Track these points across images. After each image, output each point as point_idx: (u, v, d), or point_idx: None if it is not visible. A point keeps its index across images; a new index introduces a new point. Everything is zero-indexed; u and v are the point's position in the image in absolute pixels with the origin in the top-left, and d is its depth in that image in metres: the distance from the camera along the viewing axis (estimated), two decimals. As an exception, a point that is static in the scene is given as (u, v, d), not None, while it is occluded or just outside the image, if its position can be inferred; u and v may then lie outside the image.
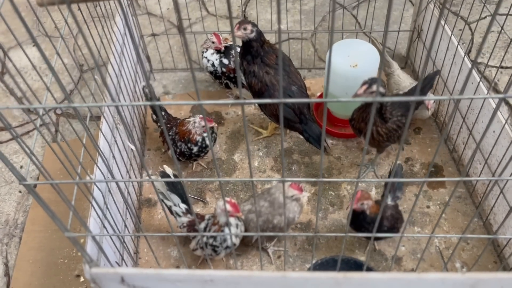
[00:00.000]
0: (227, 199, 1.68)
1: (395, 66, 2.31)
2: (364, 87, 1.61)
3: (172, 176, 1.85)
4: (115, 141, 1.82)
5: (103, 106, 1.76)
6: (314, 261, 1.74)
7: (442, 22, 2.17)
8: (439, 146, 0.87)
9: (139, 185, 2.21)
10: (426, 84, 2.02)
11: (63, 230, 1.20)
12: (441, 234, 1.97)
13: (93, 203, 1.48)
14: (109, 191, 1.65)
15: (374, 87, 1.60)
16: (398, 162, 2.04)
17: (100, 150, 1.55)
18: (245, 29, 1.92)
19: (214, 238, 1.74)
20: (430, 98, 0.66)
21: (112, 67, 1.93)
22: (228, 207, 1.65)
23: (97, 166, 1.52)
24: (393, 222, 1.73)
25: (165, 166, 1.89)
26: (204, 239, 1.77)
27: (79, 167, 1.41)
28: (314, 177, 2.23)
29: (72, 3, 1.52)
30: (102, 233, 1.52)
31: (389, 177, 1.86)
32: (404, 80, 2.24)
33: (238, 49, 2.40)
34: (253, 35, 1.96)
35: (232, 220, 1.74)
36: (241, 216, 1.73)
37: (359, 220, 1.71)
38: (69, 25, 1.52)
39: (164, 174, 1.86)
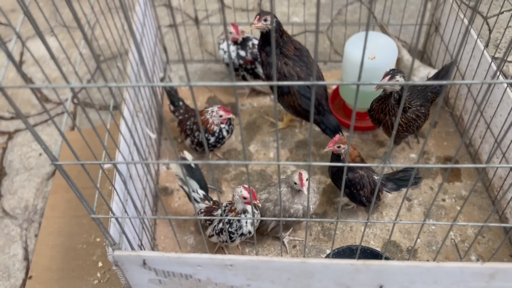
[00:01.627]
0: (246, 186, 1.70)
1: (404, 51, 2.32)
2: (387, 77, 1.62)
3: (191, 161, 1.88)
4: (136, 129, 1.84)
5: (124, 92, 1.78)
6: (329, 251, 1.76)
7: (461, 15, 2.16)
8: (459, 149, 0.88)
9: (156, 173, 2.24)
10: (444, 74, 2.03)
11: (89, 212, 1.23)
12: (457, 223, 1.98)
13: (116, 186, 1.50)
14: (130, 177, 1.68)
15: (397, 77, 1.62)
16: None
17: (122, 135, 1.58)
18: (265, 20, 1.93)
19: (230, 224, 1.76)
20: (463, 82, 0.67)
21: (132, 55, 1.95)
22: (246, 194, 1.66)
23: (119, 150, 1.55)
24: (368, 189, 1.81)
25: (185, 152, 1.92)
26: (220, 225, 1.79)
27: (103, 152, 1.43)
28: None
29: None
30: (125, 216, 1.54)
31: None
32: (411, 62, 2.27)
33: (256, 41, 2.42)
34: (273, 25, 1.97)
35: (249, 208, 1.76)
36: (258, 204, 1.74)
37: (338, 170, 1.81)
38: (86, 16, 1.54)
39: (184, 160, 1.88)
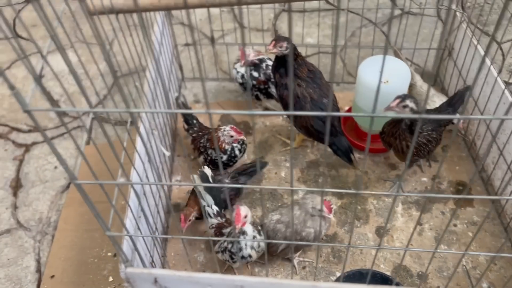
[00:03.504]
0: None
1: (417, 77, 2.34)
2: (397, 100, 1.64)
3: (210, 178, 1.91)
4: (150, 146, 1.87)
5: (141, 107, 1.82)
6: (338, 274, 1.76)
7: (475, 42, 2.18)
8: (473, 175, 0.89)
9: (169, 189, 2.26)
10: (457, 100, 2.04)
11: (104, 229, 1.25)
12: (469, 252, 1.96)
13: (130, 204, 1.53)
14: (144, 194, 1.70)
15: (407, 102, 1.64)
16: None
17: (138, 152, 1.61)
18: (280, 46, 1.97)
19: (232, 244, 1.78)
20: (477, 117, 0.68)
21: (150, 73, 1.99)
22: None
23: (134, 168, 1.58)
24: None
25: (205, 167, 1.95)
26: (225, 244, 1.81)
27: (119, 169, 1.46)
28: (341, 189, 2.24)
29: (119, 13, 1.60)
30: (137, 234, 1.57)
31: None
32: (426, 91, 2.28)
33: (270, 62, 2.46)
34: (287, 51, 2.01)
35: (250, 231, 1.76)
36: (241, 226, 1.72)
37: None
38: (105, 34, 1.58)
39: (203, 174, 1.91)
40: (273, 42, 1.97)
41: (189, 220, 1.86)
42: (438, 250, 1.10)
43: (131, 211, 1.52)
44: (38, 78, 0.92)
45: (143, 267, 1.52)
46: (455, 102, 2.03)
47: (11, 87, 0.82)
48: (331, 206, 1.76)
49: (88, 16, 1.54)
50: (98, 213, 1.18)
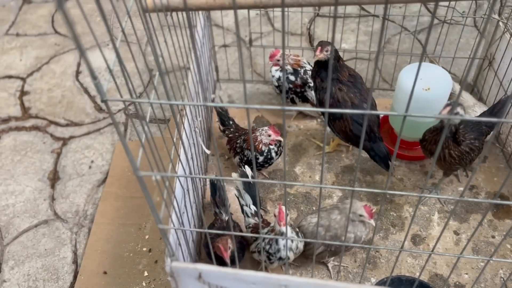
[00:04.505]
0: (281, 205, 1.72)
1: (457, 86, 2.34)
2: (448, 108, 1.63)
3: (250, 177, 1.92)
4: (194, 143, 1.90)
5: (186, 107, 1.85)
6: (373, 280, 1.75)
7: (519, 52, 2.16)
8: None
9: (203, 188, 2.28)
10: (500, 108, 2.02)
11: (157, 223, 1.27)
12: (493, 259, 1.93)
13: (176, 198, 1.55)
14: (188, 190, 1.72)
15: (458, 109, 1.64)
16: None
17: (184, 147, 1.63)
18: (327, 51, 1.99)
19: (270, 245, 1.78)
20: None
21: (192, 73, 2.02)
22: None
23: (181, 162, 1.60)
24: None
25: (246, 166, 1.97)
26: (263, 244, 1.81)
27: (169, 163, 1.48)
28: (375, 197, 2.23)
29: (173, 11, 1.62)
30: (183, 228, 1.58)
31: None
32: (467, 100, 2.29)
33: (309, 67, 2.47)
34: (332, 54, 2.01)
35: (289, 232, 1.77)
36: (283, 225, 1.72)
37: None
38: (148, 31, 1.61)
39: (243, 174, 1.93)
40: (319, 48, 1.98)
41: (229, 248, 1.73)
42: (464, 256, 1.09)
43: (177, 205, 1.53)
44: (111, 70, 0.94)
45: (188, 262, 1.54)
46: (497, 111, 2.01)
47: (94, 77, 0.84)
48: (372, 211, 1.75)
49: (142, 13, 1.57)
50: (154, 206, 1.19)
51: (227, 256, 1.69)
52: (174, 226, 1.46)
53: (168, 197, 1.40)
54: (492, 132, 2.13)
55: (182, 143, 1.61)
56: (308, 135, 2.55)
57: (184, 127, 1.76)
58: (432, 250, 1.26)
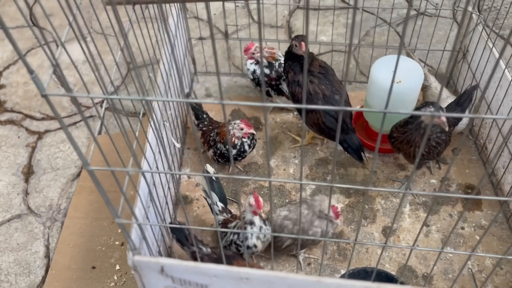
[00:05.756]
0: (256, 195, 1.74)
1: (432, 79, 2.35)
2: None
3: (213, 176, 1.92)
4: (162, 137, 1.89)
5: (153, 101, 1.84)
6: (343, 271, 1.76)
7: (490, 44, 2.17)
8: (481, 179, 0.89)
9: (178, 182, 2.28)
10: (466, 99, 2.03)
11: (114, 216, 1.27)
12: (476, 253, 1.96)
13: (140, 193, 1.55)
14: (154, 184, 1.72)
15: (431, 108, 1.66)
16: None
17: (149, 142, 1.63)
18: (306, 44, 1.99)
19: (238, 235, 1.80)
20: (489, 117, 0.69)
21: (163, 65, 2.01)
22: (253, 201, 1.71)
23: (145, 157, 1.60)
24: None
25: (207, 165, 1.96)
26: (231, 237, 1.83)
27: (131, 158, 1.48)
28: (349, 189, 2.25)
29: (136, 3, 1.61)
30: (146, 223, 1.58)
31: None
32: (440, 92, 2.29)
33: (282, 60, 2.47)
34: (307, 49, 2.02)
35: (257, 221, 1.78)
36: (260, 212, 1.75)
37: None
38: (120, 25, 1.60)
39: (206, 172, 1.92)
40: (302, 43, 1.98)
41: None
42: (445, 250, 1.11)
43: (141, 200, 1.53)
44: (56, 64, 0.94)
45: (150, 256, 1.54)
46: (463, 102, 2.03)
47: (30, 71, 0.83)
48: (338, 212, 1.76)
49: (105, 5, 1.55)
50: (109, 200, 1.19)
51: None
52: (137, 220, 1.46)
53: (135, 192, 1.41)
54: (467, 126, 2.15)
55: (147, 137, 1.61)
56: (284, 128, 2.55)
57: (152, 120, 1.76)
58: (413, 245, 1.26)
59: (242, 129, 2.11)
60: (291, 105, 2.18)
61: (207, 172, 1.95)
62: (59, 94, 0.90)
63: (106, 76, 2.66)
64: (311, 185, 2.27)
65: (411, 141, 1.86)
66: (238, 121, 2.12)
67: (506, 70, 2.04)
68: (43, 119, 2.70)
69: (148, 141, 1.62)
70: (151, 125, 1.73)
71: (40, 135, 2.61)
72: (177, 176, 2.29)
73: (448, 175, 2.26)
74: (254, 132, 2.15)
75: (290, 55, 2.10)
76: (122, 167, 1.76)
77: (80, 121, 2.69)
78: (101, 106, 2.77)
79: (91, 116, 2.73)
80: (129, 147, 1.42)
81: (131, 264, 1.43)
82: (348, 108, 0.81)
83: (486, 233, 1.08)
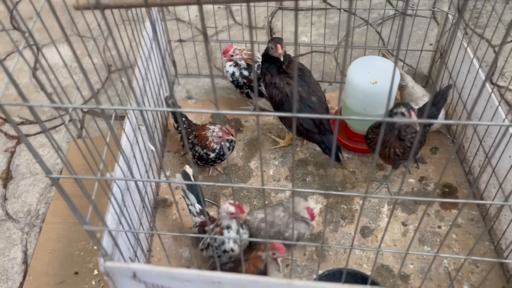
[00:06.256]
0: (231, 202, 1.74)
1: (408, 78, 2.37)
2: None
3: (191, 176, 1.92)
4: (137, 141, 1.89)
5: (128, 104, 1.83)
6: (321, 272, 1.77)
7: (465, 44, 2.18)
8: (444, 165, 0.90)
9: (157, 185, 2.28)
10: (440, 99, 2.05)
11: (82, 223, 1.27)
12: (446, 254, 1.98)
13: (112, 199, 1.55)
14: (128, 189, 1.72)
15: (403, 109, 1.67)
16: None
17: (122, 149, 1.62)
18: (283, 46, 2.00)
19: (215, 239, 1.80)
20: (467, 123, 0.70)
21: (139, 70, 2.01)
22: (233, 209, 1.71)
23: (118, 164, 1.59)
24: None
25: (186, 166, 1.96)
26: (208, 240, 1.84)
27: (101, 164, 1.48)
28: (328, 189, 2.26)
29: (105, 8, 1.60)
30: (118, 229, 1.58)
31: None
32: (417, 92, 2.32)
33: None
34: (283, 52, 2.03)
35: (234, 225, 1.79)
36: (245, 217, 1.77)
37: None
38: (101, 28, 1.60)
39: (185, 173, 1.93)
40: (279, 45, 1.99)
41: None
42: (410, 252, 1.12)
43: (113, 206, 1.53)
44: (33, 70, 0.93)
45: (123, 262, 1.54)
46: (437, 101, 2.05)
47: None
48: (314, 214, 1.77)
49: (76, 10, 1.55)
50: (75, 207, 1.19)
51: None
52: (107, 227, 1.46)
53: (107, 198, 1.40)
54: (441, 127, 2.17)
55: (118, 143, 1.60)
56: (265, 130, 2.55)
57: (124, 127, 1.76)
58: (379, 246, 1.27)
59: (220, 137, 2.12)
60: (282, 113, 2.19)
61: (186, 172, 1.95)
62: (13, 104, 0.89)
63: (90, 78, 2.65)
64: (291, 187, 2.28)
65: (386, 142, 1.87)
66: (216, 129, 2.13)
67: (479, 70, 2.05)
68: (22, 123, 2.69)
69: (121, 146, 1.61)
70: (124, 131, 1.73)
71: (19, 140, 2.59)
72: (156, 179, 2.29)
73: (426, 174, 2.28)
74: (233, 138, 2.17)
75: (267, 58, 2.10)
76: (97, 172, 1.76)
77: (60, 125, 2.68)
78: (81, 111, 2.76)
79: (71, 120, 2.71)
80: (99, 154, 1.41)
81: (103, 270, 1.43)
82: (330, 117, 0.81)
83: (448, 234, 1.07)
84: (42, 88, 2.89)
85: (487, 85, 2.00)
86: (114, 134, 1.32)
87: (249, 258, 1.66)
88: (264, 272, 1.61)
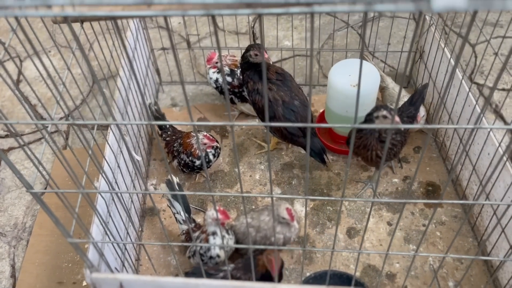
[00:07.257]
0: (217, 207, 1.76)
1: (388, 80, 2.40)
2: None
3: (176, 185, 1.93)
4: (121, 151, 1.89)
5: (110, 122, 1.84)
6: (308, 274, 1.79)
7: (442, 45, 2.23)
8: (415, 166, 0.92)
9: (143, 194, 2.28)
10: (418, 98, 2.09)
11: (66, 236, 1.27)
12: (427, 253, 2.01)
13: (96, 211, 1.55)
14: (113, 199, 1.73)
15: (385, 112, 1.70)
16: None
17: (106, 160, 1.63)
18: (266, 52, 2.02)
19: (200, 246, 1.82)
20: (446, 127, 0.72)
21: (121, 80, 2.01)
22: (218, 215, 1.72)
23: (102, 175, 1.60)
24: None
25: (171, 175, 1.97)
26: (194, 247, 1.85)
27: (84, 176, 1.48)
28: (314, 192, 2.28)
29: (83, 21, 1.61)
30: (103, 240, 1.59)
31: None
32: (397, 92, 2.35)
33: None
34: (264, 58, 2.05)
35: (219, 231, 1.81)
36: (230, 222, 1.79)
37: None
38: (78, 41, 1.61)
39: (169, 182, 1.93)
40: (264, 52, 2.01)
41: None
42: (390, 253, 1.14)
43: (98, 217, 1.54)
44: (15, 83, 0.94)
45: (109, 273, 1.55)
46: (415, 101, 2.09)
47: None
48: (293, 214, 1.79)
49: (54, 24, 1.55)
50: (58, 220, 1.20)
51: (275, 271, 1.58)
52: (93, 239, 1.47)
53: (93, 211, 1.41)
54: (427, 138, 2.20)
55: (103, 155, 1.61)
56: (250, 135, 2.57)
57: (108, 138, 1.76)
58: (360, 248, 1.29)
59: (205, 144, 2.14)
60: (257, 123, 2.21)
61: (171, 181, 1.96)
62: (-10, 122, 0.90)
63: (72, 89, 2.65)
64: (277, 190, 2.30)
65: (368, 145, 1.90)
66: (201, 137, 2.14)
67: (457, 70, 2.09)
68: (6, 136, 2.67)
69: (104, 158, 1.62)
70: (107, 142, 1.73)
71: (4, 152, 2.58)
72: (142, 187, 2.29)
73: (410, 173, 2.31)
74: (218, 145, 2.18)
75: (247, 65, 2.12)
76: (82, 183, 1.76)
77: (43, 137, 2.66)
78: (66, 120, 2.76)
79: (56, 131, 2.71)
80: (81, 166, 1.42)
81: (89, 282, 1.44)
82: (316, 125, 0.83)
83: (426, 232, 1.10)
84: (26, 100, 2.88)
85: (464, 83, 2.04)
86: (97, 145, 1.33)
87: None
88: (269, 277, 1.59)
